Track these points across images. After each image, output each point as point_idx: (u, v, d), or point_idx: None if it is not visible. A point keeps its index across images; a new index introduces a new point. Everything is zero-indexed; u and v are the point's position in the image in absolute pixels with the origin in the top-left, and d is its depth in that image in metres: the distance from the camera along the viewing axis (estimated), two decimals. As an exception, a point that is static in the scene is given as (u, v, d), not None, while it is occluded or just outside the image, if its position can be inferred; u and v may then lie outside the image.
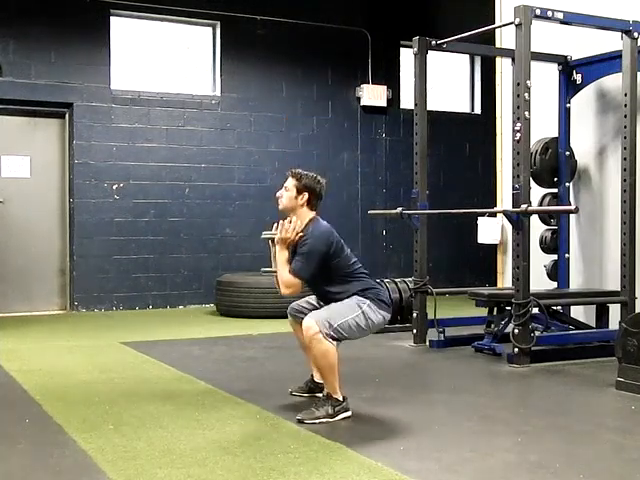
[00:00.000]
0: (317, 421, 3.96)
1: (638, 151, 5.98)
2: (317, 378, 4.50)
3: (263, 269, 4.50)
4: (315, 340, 3.98)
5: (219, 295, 8.58)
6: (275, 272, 4.29)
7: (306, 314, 4.16)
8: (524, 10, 5.49)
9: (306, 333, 4.01)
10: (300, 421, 3.95)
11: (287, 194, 4.28)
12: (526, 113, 5.49)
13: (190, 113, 9.37)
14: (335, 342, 4.03)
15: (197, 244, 9.41)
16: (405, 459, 3.40)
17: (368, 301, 4.18)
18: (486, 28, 6.37)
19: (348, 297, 4.18)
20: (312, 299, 4.44)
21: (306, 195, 4.25)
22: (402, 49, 10.56)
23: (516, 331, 5.50)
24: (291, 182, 4.28)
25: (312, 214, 4.28)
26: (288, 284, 4.14)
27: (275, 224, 4.27)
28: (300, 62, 9.92)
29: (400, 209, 6.50)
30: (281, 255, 4.21)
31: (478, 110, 11.24)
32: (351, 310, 4.12)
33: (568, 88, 6.68)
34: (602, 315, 6.21)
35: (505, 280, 7.45)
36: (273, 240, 4.30)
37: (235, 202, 9.62)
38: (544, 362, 5.57)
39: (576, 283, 6.78)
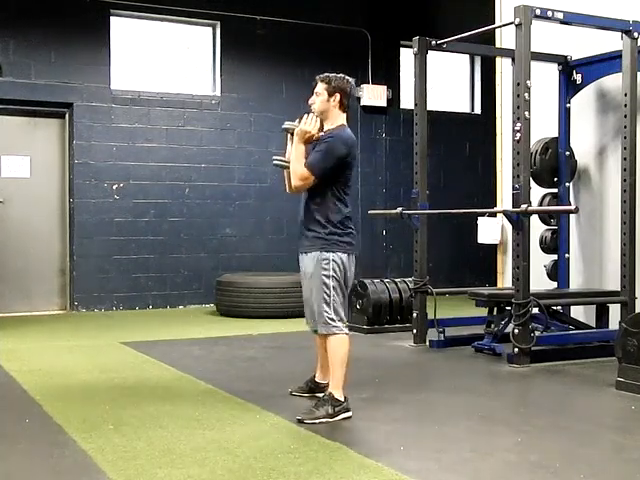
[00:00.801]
0: (317, 421, 3.96)
1: (638, 151, 5.98)
2: (318, 378, 4.51)
3: (275, 157, 4.44)
4: (332, 340, 4.15)
5: (219, 295, 8.58)
6: (287, 165, 4.28)
7: (312, 319, 4.33)
8: (524, 10, 5.50)
9: (331, 348, 4.17)
10: (300, 421, 3.96)
11: (320, 99, 4.28)
12: (526, 113, 5.49)
13: (190, 113, 9.37)
14: (343, 322, 4.16)
15: (197, 244, 9.41)
16: (405, 459, 3.41)
17: (332, 255, 4.16)
18: (486, 28, 6.37)
19: (316, 237, 4.17)
20: (305, 302, 4.43)
21: (338, 96, 4.26)
22: (402, 49, 10.56)
23: (516, 331, 5.50)
24: (321, 86, 4.28)
25: (343, 117, 4.29)
26: (301, 177, 4.14)
27: (299, 117, 4.26)
28: (300, 62, 9.91)
29: (400, 209, 6.50)
30: (298, 147, 4.20)
31: (478, 110, 11.25)
32: (323, 286, 4.14)
33: (568, 88, 6.68)
34: (602, 315, 6.21)
35: (505, 280, 7.45)
36: (292, 133, 4.27)
37: (235, 202, 9.62)
38: (544, 362, 5.57)
39: (576, 283, 6.78)
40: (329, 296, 4.15)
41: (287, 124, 4.35)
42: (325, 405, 4.05)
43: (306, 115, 4.24)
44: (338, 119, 4.28)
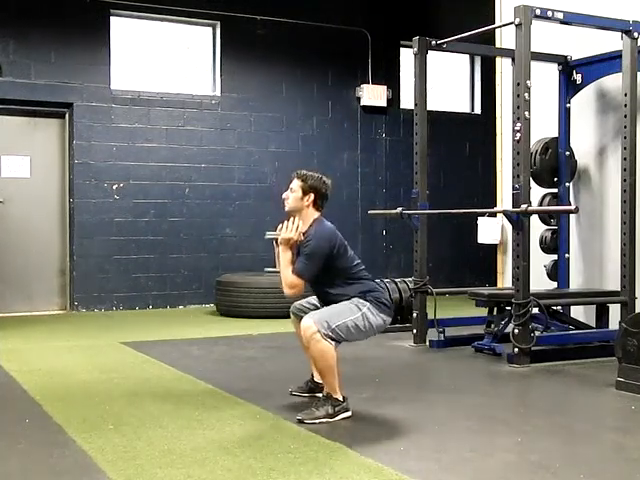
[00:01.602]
0: (317, 421, 3.96)
1: (638, 151, 5.98)
2: (317, 378, 4.50)
3: (266, 269, 4.49)
4: (313, 340, 3.99)
5: (219, 295, 8.58)
6: (279, 272, 4.29)
7: (307, 313, 4.18)
8: (524, 10, 5.50)
9: (304, 333, 4.03)
10: (300, 421, 3.96)
11: (293, 195, 4.29)
12: (526, 113, 5.49)
13: (190, 113, 9.37)
14: (334, 343, 4.04)
15: (197, 244, 9.41)
16: (405, 459, 3.41)
17: (368, 304, 4.18)
18: (486, 28, 6.37)
19: (349, 299, 4.19)
20: (314, 299, 4.44)
21: (312, 196, 4.27)
22: (402, 49, 10.56)
23: (516, 331, 5.50)
24: (297, 183, 4.29)
25: (317, 214, 4.29)
26: (291, 285, 4.15)
27: (280, 225, 4.27)
28: (300, 62, 9.92)
29: (400, 209, 6.50)
30: (284, 256, 4.21)
31: (478, 110, 11.25)
32: (350, 312, 4.12)
33: (568, 88, 6.68)
34: (602, 315, 6.21)
35: (505, 280, 7.45)
36: (277, 241, 4.30)
37: (235, 202, 9.62)
38: (544, 362, 5.57)
39: (576, 283, 6.78)
40: (348, 317, 4.08)
41: (269, 234, 4.36)
42: (325, 405, 4.04)
43: (284, 222, 4.23)
44: (311, 217, 4.27)
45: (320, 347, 4.00)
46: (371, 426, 4.00)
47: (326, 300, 4.28)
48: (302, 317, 4.20)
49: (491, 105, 8.33)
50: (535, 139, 6.36)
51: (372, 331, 4.22)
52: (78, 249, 8.87)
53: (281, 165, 9.55)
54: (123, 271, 9.04)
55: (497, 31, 7.44)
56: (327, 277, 4.22)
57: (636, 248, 5.97)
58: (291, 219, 4.26)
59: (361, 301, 4.18)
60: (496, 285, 7.66)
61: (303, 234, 4.22)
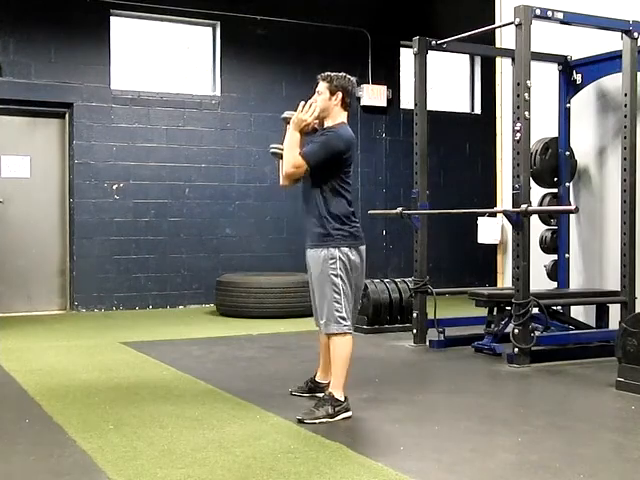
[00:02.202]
0: (317, 421, 3.96)
1: (638, 151, 5.98)
2: (319, 378, 4.51)
3: (272, 145, 4.43)
4: (335, 341, 4.14)
5: (219, 295, 8.58)
6: (273, 149, 4.32)
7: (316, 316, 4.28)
8: (524, 10, 5.50)
9: (333, 348, 4.15)
10: (300, 421, 3.96)
11: (321, 97, 4.29)
12: (526, 113, 5.49)
13: (190, 113, 9.37)
14: (348, 324, 4.12)
15: (197, 244, 9.41)
16: (405, 459, 3.41)
17: (336, 251, 4.14)
18: (486, 28, 6.37)
19: (320, 242, 4.15)
20: (312, 299, 4.42)
21: (340, 94, 4.27)
22: (402, 49, 10.56)
23: (516, 331, 5.50)
24: (323, 85, 4.29)
25: (344, 116, 4.30)
26: (294, 164, 4.16)
27: (300, 105, 4.26)
28: (300, 62, 9.91)
29: (400, 209, 6.50)
30: (293, 135, 4.22)
31: (478, 110, 11.24)
32: (329, 285, 4.11)
33: (568, 88, 6.68)
34: (602, 315, 6.21)
35: (505, 280, 7.45)
36: (289, 121, 4.28)
37: (235, 202, 9.62)
38: (544, 362, 5.57)
39: (576, 283, 6.78)
40: (339, 294, 4.12)
41: (287, 113, 4.36)
42: (325, 405, 4.05)
43: (303, 103, 4.24)
44: (339, 117, 4.29)
45: (340, 343, 4.12)
46: (371, 426, 4.00)
47: (308, 212, 4.25)
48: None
49: (491, 105, 8.33)
50: (535, 139, 6.37)
51: (358, 268, 4.22)
52: (78, 249, 8.87)
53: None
54: (123, 271, 9.04)
55: (497, 31, 7.44)
56: (323, 179, 4.18)
57: (636, 248, 5.97)
58: (310, 101, 4.23)
59: (330, 254, 4.13)
60: (496, 285, 7.66)
61: (326, 129, 4.22)
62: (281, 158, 4.31)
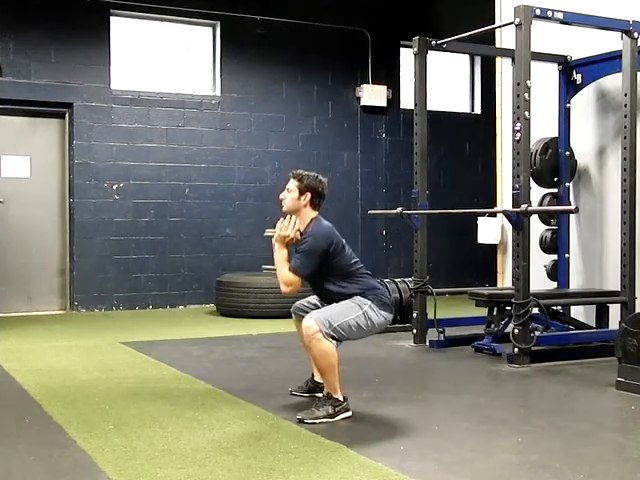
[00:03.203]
0: (317, 421, 3.96)
1: (638, 151, 5.98)
2: (317, 378, 4.50)
3: (264, 267, 4.49)
4: (314, 339, 3.99)
5: (219, 295, 8.58)
6: (268, 269, 4.32)
7: (308, 313, 4.19)
8: (524, 10, 5.50)
9: (305, 332, 4.03)
10: (300, 421, 3.96)
11: (290, 195, 4.30)
12: (526, 113, 5.49)
13: (190, 113, 9.37)
14: (335, 342, 4.04)
15: (197, 244, 9.41)
16: (405, 459, 3.41)
17: (369, 302, 4.18)
18: (486, 28, 6.37)
19: (349, 297, 4.19)
20: (315, 298, 4.45)
21: (309, 195, 4.28)
22: (402, 49, 10.56)
23: (516, 331, 5.50)
24: (293, 183, 4.30)
25: (315, 214, 4.30)
26: (287, 282, 4.16)
27: (278, 222, 4.29)
28: (300, 62, 9.92)
29: (400, 209, 6.50)
30: (280, 253, 4.22)
31: (478, 110, 11.24)
32: (352, 310, 4.13)
33: (568, 88, 6.68)
34: (602, 315, 6.21)
35: (505, 280, 7.45)
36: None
37: (235, 202, 9.62)
38: (544, 362, 5.57)
39: (576, 283, 6.78)
40: (349, 316, 4.08)
41: (268, 232, 4.40)
42: (325, 405, 4.04)
43: (282, 219, 4.25)
44: (309, 215, 4.28)
45: (321, 347, 4.00)
46: (371, 426, 4.00)
47: (326, 299, 4.29)
48: (303, 317, 4.20)
49: (491, 105, 8.33)
50: (535, 139, 6.36)
51: (374, 329, 4.22)
52: (78, 249, 8.87)
53: (281, 165, 9.55)
54: (123, 271, 9.04)
55: (497, 31, 7.44)
56: (325, 275, 4.22)
57: (636, 248, 5.97)
58: (288, 217, 4.27)
59: (362, 299, 4.18)
60: (496, 285, 7.66)
61: (301, 233, 4.23)
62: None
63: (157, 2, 9.14)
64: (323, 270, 4.20)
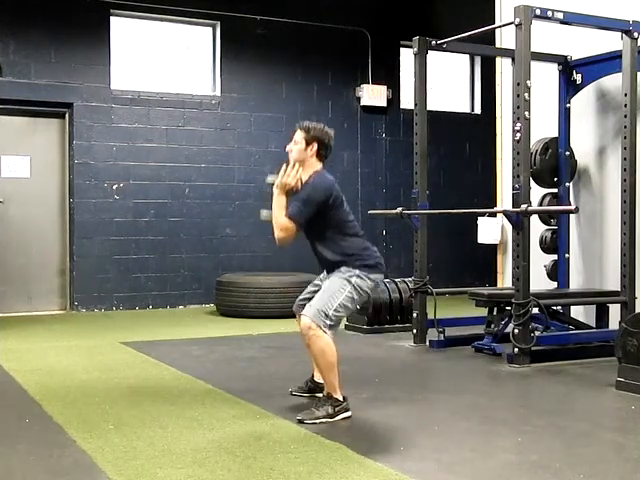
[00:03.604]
0: (317, 421, 3.96)
1: (638, 151, 5.98)
2: (317, 378, 4.51)
3: (263, 210, 4.45)
4: (314, 337, 4.01)
5: (219, 295, 8.58)
6: (264, 215, 4.33)
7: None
8: (524, 10, 5.50)
9: (304, 332, 4.04)
10: (300, 421, 3.96)
11: (297, 147, 4.32)
12: (526, 113, 5.49)
13: (190, 113, 9.37)
14: (334, 328, 4.09)
15: (197, 244, 9.41)
16: (405, 459, 3.41)
17: (357, 271, 4.19)
18: (486, 28, 6.37)
19: (339, 263, 4.20)
20: (311, 288, 4.43)
21: (315, 146, 4.30)
22: (402, 49, 10.56)
23: (516, 331, 5.50)
24: (300, 135, 4.32)
25: (319, 165, 4.32)
26: (283, 227, 4.17)
27: (282, 168, 4.27)
28: (300, 62, 9.92)
29: (400, 209, 6.50)
30: (279, 200, 4.22)
31: (478, 110, 11.24)
32: (341, 288, 4.13)
33: (568, 88, 6.68)
34: (602, 315, 6.21)
35: (505, 280, 7.45)
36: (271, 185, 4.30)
37: (235, 202, 9.62)
38: (544, 362, 5.57)
39: (576, 283, 6.78)
40: (340, 296, 4.12)
41: (270, 178, 4.39)
42: (325, 405, 4.04)
43: (284, 166, 4.25)
44: (315, 166, 4.30)
45: (320, 344, 4.01)
46: (371, 426, 4.00)
47: (323, 261, 4.31)
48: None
49: (491, 105, 8.33)
50: (535, 139, 6.36)
51: (366, 295, 4.28)
52: (78, 249, 8.87)
53: (281, 165, 9.52)
54: (123, 271, 9.04)
55: (497, 31, 7.44)
56: (321, 227, 4.22)
57: (636, 248, 5.97)
58: (292, 165, 4.27)
59: (349, 270, 4.18)
60: (496, 285, 7.66)
61: (302, 183, 4.23)
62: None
63: (157, 2, 9.13)
64: (320, 222, 4.20)
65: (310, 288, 4.49)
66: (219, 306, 8.60)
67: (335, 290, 4.14)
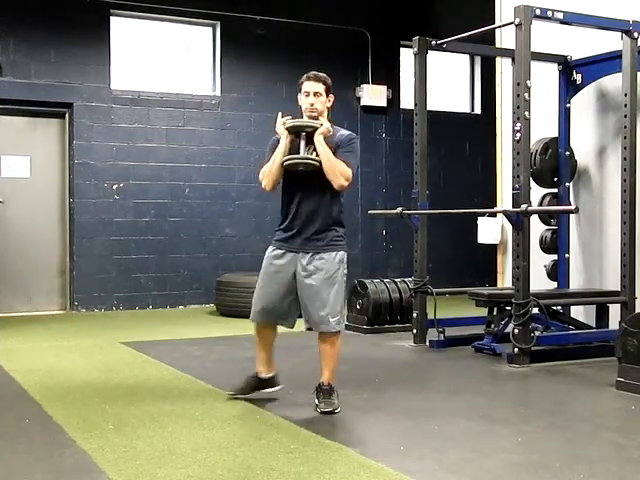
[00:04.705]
0: (339, 408, 4.14)
1: (638, 151, 5.98)
2: (264, 373, 4.44)
3: (300, 156, 4.22)
4: (338, 341, 4.26)
5: (219, 295, 8.58)
6: (309, 160, 4.16)
7: (287, 317, 4.31)
8: (524, 10, 5.50)
9: (336, 344, 4.23)
10: (329, 412, 4.09)
11: (320, 99, 4.25)
12: (526, 113, 5.49)
13: (190, 113, 9.37)
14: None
15: (197, 244, 9.41)
16: (405, 459, 3.41)
17: (345, 253, 4.28)
18: (486, 28, 6.37)
19: (326, 235, 4.21)
20: (272, 300, 4.31)
21: (332, 97, 4.32)
22: (402, 49, 10.56)
23: (516, 331, 5.50)
24: (321, 87, 4.26)
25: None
26: (349, 177, 4.18)
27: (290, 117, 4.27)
28: (300, 62, 9.87)
29: (400, 209, 6.50)
30: (327, 146, 4.16)
31: (478, 110, 11.24)
32: (339, 279, 4.22)
33: (568, 88, 6.68)
34: (602, 315, 6.21)
35: (505, 280, 7.45)
36: (306, 131, 4.20)
37: (235, 202, 9.62)
38: (544, 362, 5.57)
39: (576, 283, 6.78)
40: (342, 289, 4.26)
41: (303, 122, 4.22)
42: (334, 393, 4.21)
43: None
44: (325, 117, 4.32)
45: (339, 343, 4.28)
46: (371, 426, 4.00)
47: (306, 225, 4.22)
48: (280, 324, 4.35)
49: (491, 105, 8.33)
50: (535, 139, 6.36)
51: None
52: (78, 249, 8.87)
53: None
54: (123, 271, 9.04)
55: (497, 31, 7.43)
56: (328, 189, 4.20)
57: (636, 248, 5.97)
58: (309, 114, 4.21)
59: (342, 255, 4.25)
60: (496, 285, 7.66)
61: (343, 136, 4.29)
62: (312, 168, 4.19)
63: (157, 2, 9.13)
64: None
65: (272, 300, 4.30)
66: (219, 306, 8.60)
67: (339, 292, 4.21)
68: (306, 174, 4.19)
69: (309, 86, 4.24)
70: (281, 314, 4.33)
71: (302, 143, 4.23)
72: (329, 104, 4.29)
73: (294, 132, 4.25)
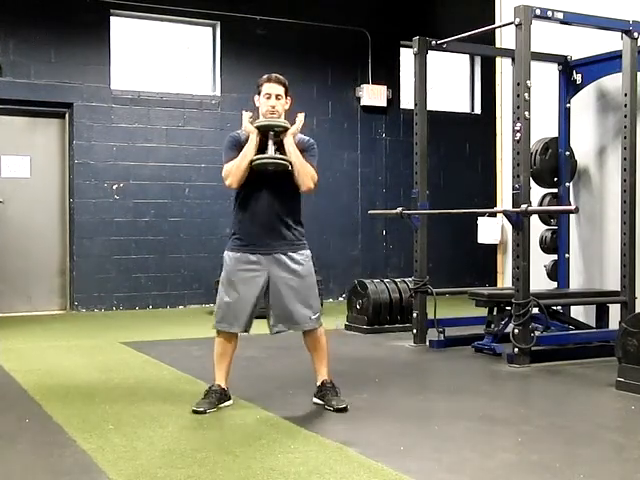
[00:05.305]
0: (348, 404, 4.21)
1: (638, 151, 5.98)
2: (225, 385, 4.32)
3: (262, 156, 4.18)
4: (323, 337, 4.34)
5: (219, 295, 8.56)
6: (280, 160, 4.15)
7: (252, 321, 4.44)
8: (524, 10, 5.50)
9: (324, 339, 4.33)
10: (343, 409, 4.14)
11: (281, 102, 4.21)
12: (526, 113, 5.49)
13: (190, 113, 9.37)
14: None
15: (197, 244, 9.41)
16: (405, 459, 3.40)
17: (309, 252, 4.36)
18: (486, 28, 6.37)
19: (293, 236, 4.26)
20: (247, 307, 4.32)
21: (289, 99, 4.28)
22: (402, 49, 10.56)
23: (516, 331, 5.50)
24: (282, 89, 4.21)
25: None
26: (315, 179, 4.22)
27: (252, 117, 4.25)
28: (300, 62, 9.91)
29: (400, 209, 6.50)
30: (296, 147, 4.17)
31: (478, 110, 11.24)
32: (315, 283, 4.35)
33: (568, 88, 6.68)
34: (602, 315, 6.21)
35: (505, 280, 7.45)
36: (275, 131, 4.16)
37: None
38: (544, 362, 5.57)
39: (576, 283, 6.78)
40: (315, 285, 4.35)
41: (273, 121, 4.15)
42: (338, 389, 4.30)
43: (301, 115, 4.24)
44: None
45: (322, 333, 4.36)
46: (371, 426, 4.00)
47: (272, 226, 4.28)
48: (245, 331, 4.41)
49: (491, 105, 8.33)
50: (535, 139, 6.36)
51: None
52: (78, 249, 8.87)
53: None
54: (123, 271, 9.04)
55: (497, 31, 7.43)
56: (294, 190, 4.25)
57: (636, 248, 5.97)
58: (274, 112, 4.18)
59: (309, 252, 4.34)
60: (496, 285, 7.66)
61: (303, 139, 4.28)
62: (283, 168, 4.18)
63: (157, 2, 9.14)
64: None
65: (239, 308, 4.29)
66: (219, 306, 8.58)
67: (313, 289, 4.32)
68: (275, 174, 4.17)
69: (270, 88, 4.18)
70: (251, 320, 4.33)
71: (270, 143, 4.19)
72: (287, 107, 4.25)
73: (262, 131, 4.19)
